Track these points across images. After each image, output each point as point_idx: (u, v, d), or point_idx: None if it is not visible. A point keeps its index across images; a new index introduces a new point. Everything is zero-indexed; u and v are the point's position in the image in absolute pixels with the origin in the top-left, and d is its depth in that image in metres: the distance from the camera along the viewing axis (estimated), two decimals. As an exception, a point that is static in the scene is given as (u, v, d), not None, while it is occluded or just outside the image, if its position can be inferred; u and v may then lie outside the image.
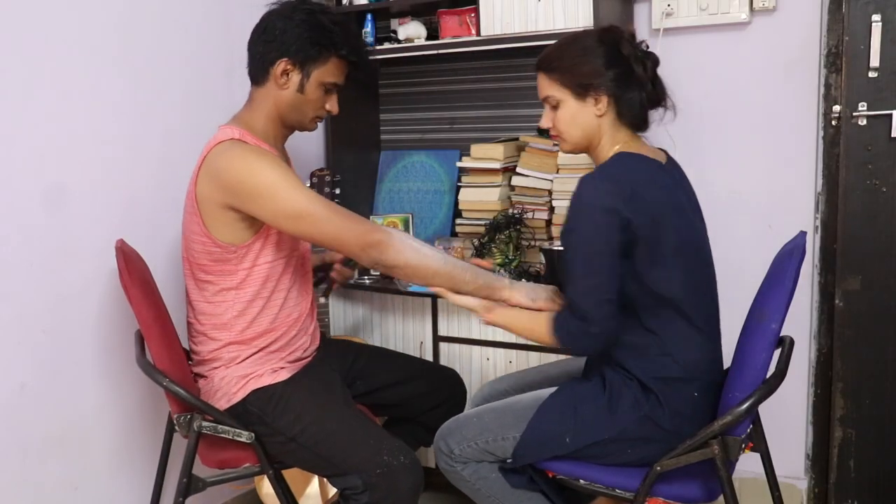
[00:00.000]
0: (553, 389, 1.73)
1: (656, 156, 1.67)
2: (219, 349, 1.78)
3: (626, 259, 1.56)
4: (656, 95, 1.65)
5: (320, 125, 2.68)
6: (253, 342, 1.78)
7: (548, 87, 1.66)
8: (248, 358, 1.78)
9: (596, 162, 1.69)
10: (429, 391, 2.00)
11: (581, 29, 2.22)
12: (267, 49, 1.75)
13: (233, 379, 1.76)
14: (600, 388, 1.67)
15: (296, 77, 1.75)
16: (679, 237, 1.59)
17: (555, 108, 1.67)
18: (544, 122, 1.71)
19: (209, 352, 1.79)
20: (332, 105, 1.82)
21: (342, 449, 1.68)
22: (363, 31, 2.61)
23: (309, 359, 1.90)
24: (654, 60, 1.65)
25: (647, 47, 1.66)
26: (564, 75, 1.63)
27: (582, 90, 1.62)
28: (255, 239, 1.73)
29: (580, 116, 1.64)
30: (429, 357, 2.44)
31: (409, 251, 1.69)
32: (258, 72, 1.77)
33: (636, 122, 1.66)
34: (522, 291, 1.77)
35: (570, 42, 1.67)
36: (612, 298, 1.55)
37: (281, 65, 1.73)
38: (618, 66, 1.60)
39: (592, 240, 1.54)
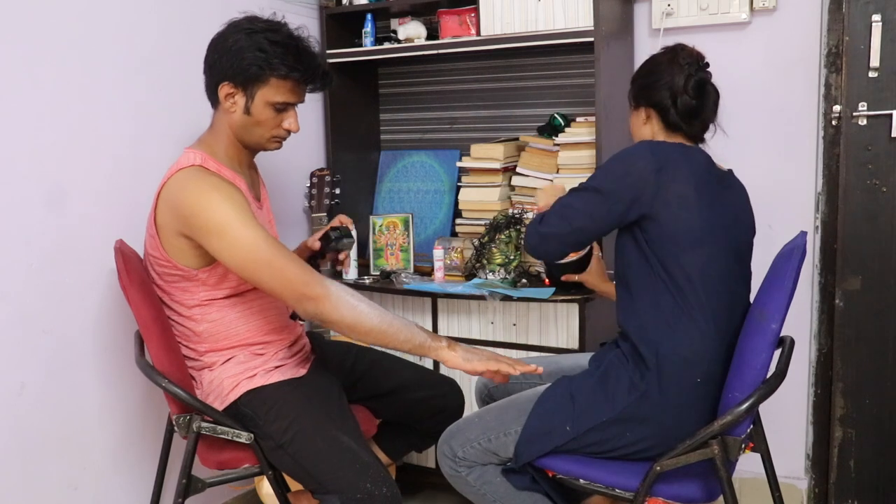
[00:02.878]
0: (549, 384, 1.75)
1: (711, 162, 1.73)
2: (200, 355, 1.79)
3: (638, 229, 1.64)
4: (693, 107, 1.72)
5: (320, 124, 2.74)
6: (230, 350, 1.78)
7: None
8: (231, 359, 1.78)
9: None
10: (427, 400, 1.99)
11: (581, 30, 2.23)
12: (211, 72, 1.74)
13: (224, 380, 1.76)
14: (593, 373, 1.70)
15: (240, 99, 1.71)
16: (704, 224, 1.62)
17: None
18: None
19: (192, 354, 1.80)
20: (290, 123, 1.77)
21: (327, 469, 1.66)
22: (364, 30, 2.61)
23: (301, 354, 1.90)
24: (700, 80, 1.72)
25: (707, 66, 1.75)
26: (630, 89, 1.82)
27: (634, 101, 1.80)
28: (218, 263, 1.70)
29: (635, 125, 1.82)
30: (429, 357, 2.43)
31: (344, 308, 1.63)
32: (210, 95, 1.77)
33: (684, 131, 1.74)
34: (458, 352, 1.71)
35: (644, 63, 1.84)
36: (570, 236, 1.69)
37: (224, 88, 1.71)
38: (659, 79, 1.73)
39: (602, 184, 1.64)
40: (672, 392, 1.60)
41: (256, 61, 1.67)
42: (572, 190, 1.71)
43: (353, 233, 2.05)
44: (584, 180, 1.71)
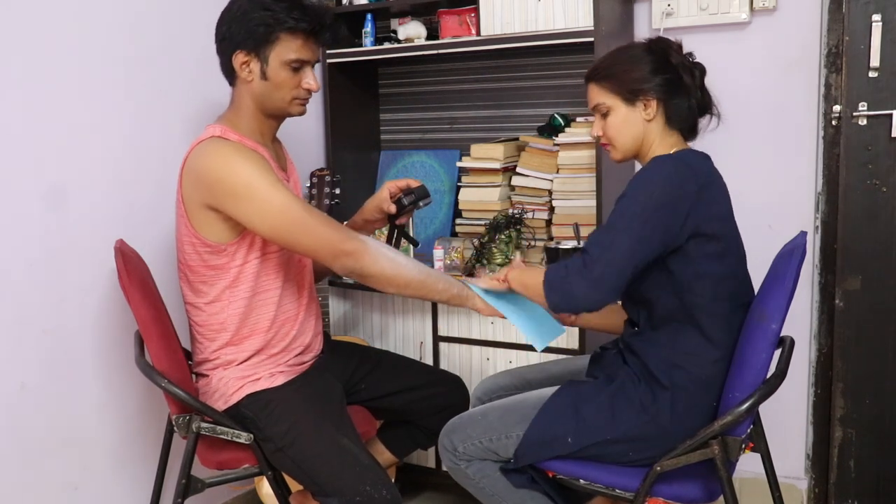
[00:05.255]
0: (556, 389, 1.73)
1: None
2: (217, 350, 1.78)
3: (674, 255, 1.55)
4: (704, 103, 1.67)
5: (320, 124, 2.74)
6: (250, 342, 1.78)
7: (598, 95, 1.68)
8: (246, 360, 1.77)
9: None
10: (432, 397, 1.99)
11: (581, 30, 2.22)
12: (223, 48, 1.74)
13: (230, 380, 1.76)
14: (604, 389, 1.67)
15: (255, 65, 1.71)
16: (736, 242, 1.62)
17: (605, 115, 1.68)
18: (595, 131, 1.72)
19: (209, 352, 1.79)
20: (308, 82, 1.74)
21: (326, 471, 1.66)
22: (364, 30, 2.61)
23: (310, 363, 1.89)
24: (702, 70, 1.67)
25: (694, 57, 1.68)
26: (614, 82, 1.65)
27: (631, 95, 1.64)
28: (244, 235, 1.71)
29: (630, 122, 1.65)
30: (429, 357, 2.44)
31: (383, 260, 1.67)
32: (227, 73, 1.76)
33: (685, 129, 1.68)
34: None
35: (619, 52, 1.70)
36: (624, 274, 1.50)
37: (238, 58, 1.70)
38: (665, 73, 1.63)
39: (649, 211, 1.50)
40: (685, 416, 1.59)
41: (263, 20, 1.67)
42: (612, 223, 1.53)
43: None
44: (617, 210, 1.54)
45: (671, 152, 1.63)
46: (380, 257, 1.67)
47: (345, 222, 1.97)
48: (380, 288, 1.72)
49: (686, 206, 1.52)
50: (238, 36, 1.69)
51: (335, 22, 1.77)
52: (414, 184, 1.91)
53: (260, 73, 1.71)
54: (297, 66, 1.73)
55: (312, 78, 1.76)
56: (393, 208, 1.90)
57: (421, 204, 1.91)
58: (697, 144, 1.73)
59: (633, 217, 1.51)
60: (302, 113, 1.80)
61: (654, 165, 1.57)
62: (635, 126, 1.65)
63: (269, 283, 1.78)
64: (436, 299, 1.76)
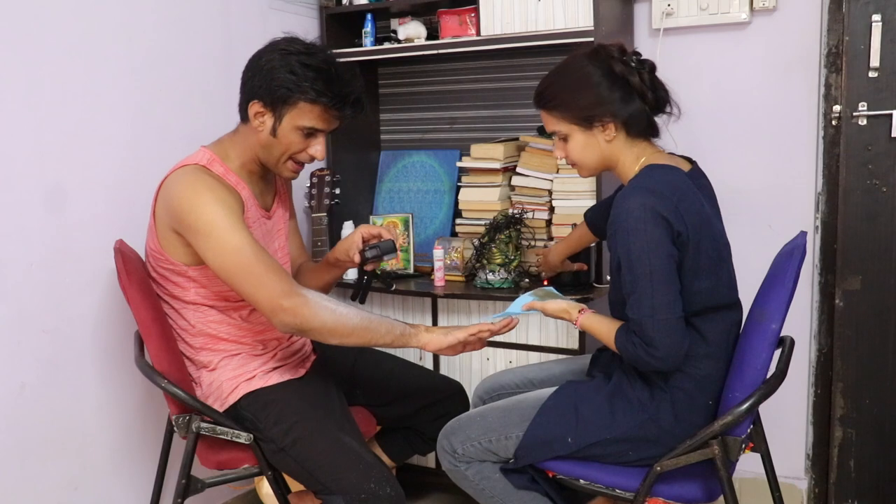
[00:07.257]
0: (554, 389, 1.73)
1: (680, 165, 1.67)
2: (197, 352, 1.79)
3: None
4: (657, 102, 1.63)
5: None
6: (227, 348, 1.78)
7: (552, 123, 1.66)
8: (228, 360, 1.78)
9: (623, 178, 1.67)
10: (430, 404, 1.99)
11: (581, 30, 2.22)
12: (244, 90, 1.73)
13: (222, 383, 1.76)
14: (602, 388, 1.67)
15: (269, 120, 1.69)
16: (715, 246, 1.59)
17: (564, 139, 1.67)
18: (557, 153, 1.71)
19: (190, 353, 1.80)
20: (315, 150, 1.74)
21: (330, 470, 1.65)
22: (364, 30, 2.61)
23: (303, 356, 1.89)
24: (650, 67, 1.63)
25: (639, 55, 1.64)
26: (565, 111, 1.62)
27: (587, 122, 1.61)
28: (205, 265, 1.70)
29: (590, 146, 1.64)
30: (428, 357, 2.44)
31: (324, 313, 1.63)
32: (241, 111, 1.75)
33: (647, 133, 1.66)
34: (437, 333, 1.74)
35: (561, 73, 1.65)
36: (679, 316, 1.52)
37: (254, 106, 1.69)
38: (616, 88, 1.59)
39: (652, 254, 1.50)
40: (684, 416, 1.59)
41: (286, 83, 1.65)
42: (641, 289, 1.51)
43: (398, 240, 1.91)
44: (634, 272, 1.52)
45: (637, 172, 1.61)
46: (320, 310, 1.63)
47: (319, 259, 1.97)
48: (322, 340, 1.68)
49: (674, 229, 1.51)
50: (259, 88, 1.68)
51: (360, 99, 1.73)
52: (386, 234, 1.89)
53: (271, 128, 1.70)
54: (309, 133, 1.72)
55: (321, 146, 1.74)
56: (357, 258, 1.89)
57: (385, 258, 1.90)
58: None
59: (654, 270, 1.50)
60: (291, 177, 1.80)
61: (626, 207, 1.52)
62: (597, 148, 1.64)
63: (237, 309, 1.78)
64: (379, 343, 1.71)
